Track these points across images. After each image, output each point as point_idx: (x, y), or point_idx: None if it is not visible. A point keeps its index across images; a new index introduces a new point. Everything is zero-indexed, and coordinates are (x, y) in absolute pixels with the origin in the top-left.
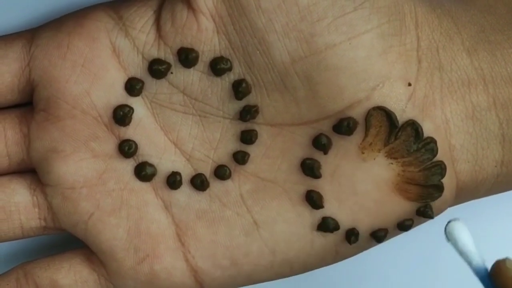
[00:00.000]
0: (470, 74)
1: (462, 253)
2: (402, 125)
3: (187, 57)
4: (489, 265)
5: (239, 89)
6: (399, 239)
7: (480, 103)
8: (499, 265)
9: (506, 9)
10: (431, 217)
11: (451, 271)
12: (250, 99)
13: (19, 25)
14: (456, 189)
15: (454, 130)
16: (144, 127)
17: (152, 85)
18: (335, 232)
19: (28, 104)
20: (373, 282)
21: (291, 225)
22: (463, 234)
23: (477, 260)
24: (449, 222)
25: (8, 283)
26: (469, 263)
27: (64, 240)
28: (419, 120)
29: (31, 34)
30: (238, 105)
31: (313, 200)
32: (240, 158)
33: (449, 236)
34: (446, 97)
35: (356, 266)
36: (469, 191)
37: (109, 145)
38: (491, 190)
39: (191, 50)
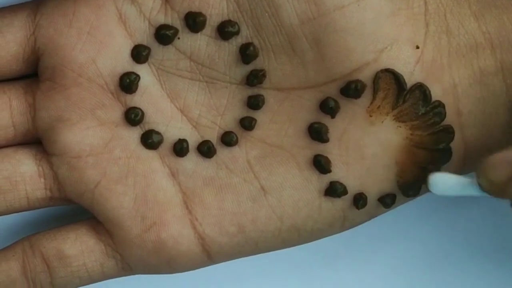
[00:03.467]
0: (477, 38)
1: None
2: (410, 88)
3: (194, 21)
4: None
5: (246, 52)
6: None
7: (488, 68)
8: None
9: None
10: None
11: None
12: (257, 63)
13: None
14: (464, 154)
15: (462, 95)
16: (151, 94)
17: (158, 51)
18: (342, 197)
19: (33, 75)
20: (377, 256)
21: (298, 191)
22: (446, 178)
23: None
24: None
25: (14, 254)
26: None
27: (69, 214)
28: (427, 83)
29: (36, 3)
30: (245, 69)
31: (321, 164)
32: (247, 124)
33: (438, 190)
34: (454, 61)
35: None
36: (477, 158)
37: (116, 113)
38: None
39: (199, 14)
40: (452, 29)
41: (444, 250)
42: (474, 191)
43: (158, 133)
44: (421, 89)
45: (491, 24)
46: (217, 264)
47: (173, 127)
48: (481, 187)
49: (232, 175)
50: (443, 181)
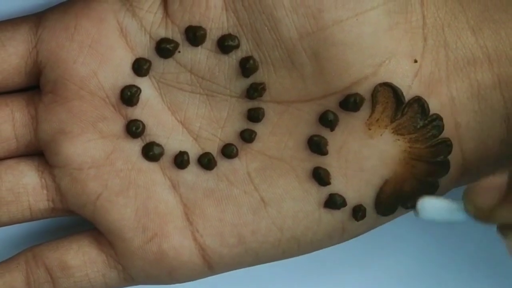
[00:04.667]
0: (475, 52)
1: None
2: (409, 101)
3: (195, 35)
4: None
5: (246, 66)
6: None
7: (485, 82)
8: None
9: None
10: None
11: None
12: (257, 77)
13: (26, 10)
14: (462, 167)
15: (460, 108)
16: (152, 107)
17: (159, 65)
18: (342, 209)
19: (35, 88)
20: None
21: (298, 202)
22: (434, 203)
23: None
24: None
25: (18, 265)
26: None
27: (72, 224)
28: (425, 96)
29: (38, 17)
30: (245, 82)
31: (320, 176)
32: (247, 136)
33: (424, 214)
34: (451, 74)
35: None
36: (475, 170)
37: (117, 125)
38: (495, 170)
39: (199, 27)
40: (449, 43)
41: (442, 261)
42: (461, 216)
43: (159, 145)
44: (419, 103)
45: (488, 38)
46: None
47: (174, 139)
48: (468, 212)
49: (232, 187)
50: (431, 206)
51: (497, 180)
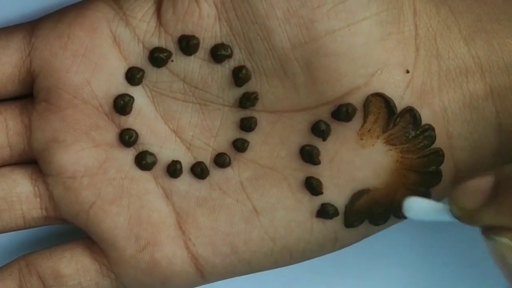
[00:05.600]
0: (467, 62)
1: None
2: (401, 112)
3: (188, 44)
4: None
5: (239, 75)
6: (395, 231)
7: (477, 92)
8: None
9: None
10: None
11: (448, 264)
12: (250, 86)
13: (20, 18)
14: (454, 176)
15: (452, 118)
16: (145, 116)
17: (152, 74)
18: (334, 219)
19: (29, 96)
20: (371, 274)
21: (290, 212)
22: (420, 203)
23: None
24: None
25: (11, 273)
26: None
27: (65, 233)
28: (417, 107)
29: (32, 25)
30: (238, 92)
31: (312, 186)
32: (240, 145)
33: (410, 214)
34: (443, 85)
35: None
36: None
37: (110, 134)
38: None
39: (192, 37)
40: (442, 53)
41: (438, 268)
42: (447, 217)
43: (152, 154)
44: (411, 113)
45: (481, 49)
46: None
47: (167, 148)
48: (453, 213)
49: (225, 196)
50: (418, 206)
51: (482, 182)
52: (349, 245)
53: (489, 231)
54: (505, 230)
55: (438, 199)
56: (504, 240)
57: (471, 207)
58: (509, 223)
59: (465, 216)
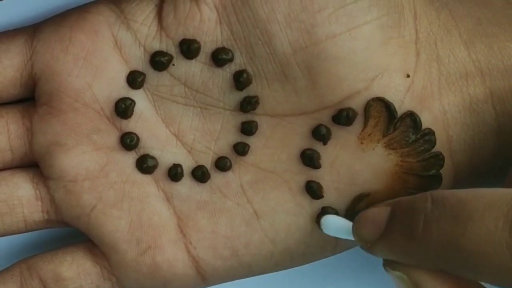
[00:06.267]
0: (467, 66)
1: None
2: (401, 116)
3: (189, 48)
4: None
5: (240, 79)
6: None
7: (477, 95)
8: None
9: (502, 2)
10: None
11: None
12: (251, 90)
13: (21, 22)
14: (454, 180)
15: (452, 121)
16: (146, 119)
17: (153, 77)
18: None
19: (30, 99)
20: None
21: (291, 215)
22: (336, 221)
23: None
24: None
25: (12, 276)
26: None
27: (66, 236)
28: (417, 111)
29: (33, 29)
30: (239, 96)
31: (313, 190)
32: (241, 149)
33: (327, 230)
34: (444, 89)
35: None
36: (467, 182)
37: (111, 138)
38: (488, 182)
39: (193, 41)
40: (442, 57)
41: None
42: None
43: (153, 157)
44: (412, 117)
45: (481, 53)
46: None
47: (168, 152)
48: (356, 241)
49: (225, 200)
50: (333, 224)
51: (378, 213)
52: (350, 248)
53: (386, 262)
54: (398, 264)
55: None
56: (398, 273)
57: (368, 238)
58: (399, 259)
59: (364, 246)
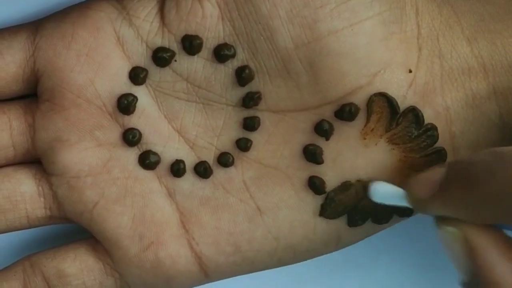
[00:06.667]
0: (470, 62)
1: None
2: (403, 111)
3: (191, 44)
4: None
5: (242, 75)
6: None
7: (480, 91)
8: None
9: None
10: None
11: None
12: (253, 86)
13: (24, 18)
14: None
15: (455, 117)
16: (148, 115)
17: (156, 73)
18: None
19: (32, 95)
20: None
21: (294, 211)
22: (384, 188)
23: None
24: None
25: (15, 274)
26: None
27: (69, 232)
28: (419, 106)
29: (36, 25)
30: (241, 92)
31: (316, 185)
32: (243, 145)
33: (376, 197)
34: (446, 84)
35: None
36: None
37: (114, 134)
38: None
39: (196, 37)
40: (444, 53)
41: (439, 266)
42: (406, 203)
43: (155, 153)
44: (414, 112)
45: (483, 49)
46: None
47: (170, 147)
48: (409, 202)
49: (228, 195)
50: (382, 190)
51: (433, 174)
52: (353, 244)
53: (438, 219)
54: (451, 220)
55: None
56: (450, 229)
57: (422, 197)
58: (454, 214)
59: (417, 205)
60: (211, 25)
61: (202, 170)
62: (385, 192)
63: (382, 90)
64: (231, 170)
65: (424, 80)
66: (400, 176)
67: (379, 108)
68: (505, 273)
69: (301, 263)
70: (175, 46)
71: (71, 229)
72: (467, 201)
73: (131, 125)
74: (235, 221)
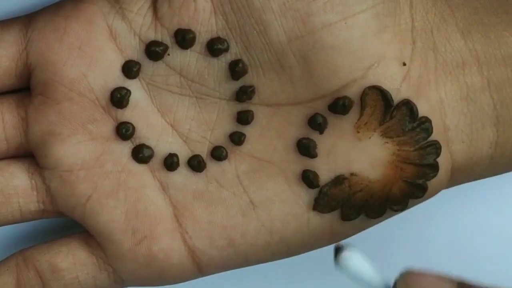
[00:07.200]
0: (464, 55)
1: (359, 281)
2: (397, 105)
3: (184, 38)
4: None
5: (235, 69)
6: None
7: (474, 84)
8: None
9: None
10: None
11: (443, 252)
12: (247, 80)
13: (16, 11)
14: (451, 169)
15: (449, 110)
16: (141, 109)
17: (149, 67)
18: (331, 212)
19: (25, 89)
20: None
21: (287, 205)
22: (357, 261)
23: (377, 282)
24: (339, 251)
25: (8, 268)
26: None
27: (62, 226)
28: (413, 99)
29: (28, 19)
30: (235, 85)
31: (309, 179)
32: (237, 138)
33: (341, 265)
34: (440, 77)
35: None
36: (464, 172)
37: (107, 127)
38: (486, 172)
39: (188, 31)
40: (438, 46)
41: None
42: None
43: (148, 147)
44: (408, 106)
45: (477, 42)
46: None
47: (163, 141)
48: None
49: (221, 189)
50: (355, 262)
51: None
52: (346, 238)
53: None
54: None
55: (435, 192)
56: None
57: None
58: None
59: None
60: (203, 19)
61: (196, 164)
62: (356, 266)
63: (376, 83)
64: (225, 164)
65: (418, 73)
66: (394, 170)
67: (373, 101)
68: None
69: (295, 257)
70: (168, 40)
71: (64, 223)
72: None
73: (124, 119)
74: (228, 215)
